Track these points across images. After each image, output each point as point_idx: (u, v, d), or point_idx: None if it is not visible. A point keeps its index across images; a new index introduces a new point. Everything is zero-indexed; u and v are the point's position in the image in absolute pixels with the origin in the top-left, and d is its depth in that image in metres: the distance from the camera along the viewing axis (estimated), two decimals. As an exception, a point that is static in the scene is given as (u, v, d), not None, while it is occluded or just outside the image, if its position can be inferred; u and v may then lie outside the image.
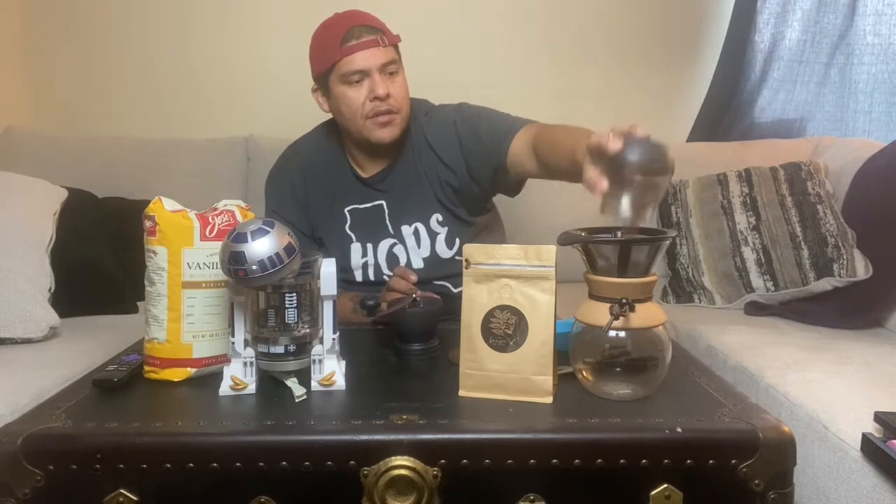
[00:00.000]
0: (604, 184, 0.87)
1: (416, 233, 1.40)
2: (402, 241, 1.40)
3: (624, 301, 0.85)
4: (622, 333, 0.88)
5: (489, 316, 0.91)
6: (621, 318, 0.86)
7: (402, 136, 1.38)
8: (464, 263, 0.92)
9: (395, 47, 1.34)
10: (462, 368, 0.92)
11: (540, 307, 0.89)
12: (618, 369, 0.90)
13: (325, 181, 1.43)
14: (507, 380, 0.89)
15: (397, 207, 1.41)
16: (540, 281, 0.89)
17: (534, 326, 0.89)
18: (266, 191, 1.48)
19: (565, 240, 0.90)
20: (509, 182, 1.39)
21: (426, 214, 1.40)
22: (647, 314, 0.88)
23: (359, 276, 1.42)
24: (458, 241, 1.40)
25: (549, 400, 0.88)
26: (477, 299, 0.91)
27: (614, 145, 0.86)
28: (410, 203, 1.40)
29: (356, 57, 1.28)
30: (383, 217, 1.41)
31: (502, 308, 0.90)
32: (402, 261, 1.40)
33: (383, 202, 1.41)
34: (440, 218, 1.40)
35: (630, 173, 0.85)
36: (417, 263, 1.40)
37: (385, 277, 1.38)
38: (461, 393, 0.91)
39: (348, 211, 1.42)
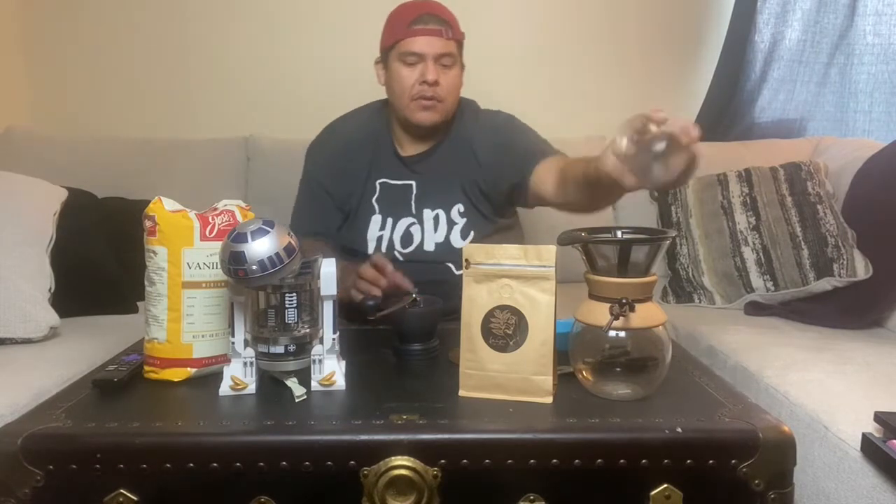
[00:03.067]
0: (624, 142, 0.86)
1: (437, 218, 1.44)
2: (421, 223, 1.44)
3: (624, 301, 0.85)
4: (622, 333, 0.88)
5: (489, 316, 0.91)
6: (621, 318, 0.86)
7: (443, 125, 1.45)
8: (464, 264, 0.92)
9: (458, 43, 1.41)
10: (462, 368, 0.92)
11: (540, 307, 0.89)
12: (618, 369, 0.90)
13: (363, 152, 1.48)
14: (507, 380, 0.90)
15: (425, 190, 1.45)
16: (540, 281, 0.89)
17: (534, 326, 0.89)
18: (306, 158, 1.55)
19: (565, 239, 0.90)
20: (525, 199, 1.44)
21: (449, 203, 1.44)
22: (647, 314, 0.88)
23: (371, 248, 1.45)
24: (473, 233, 1.44)
25: (549, 400, 0.89)
26: (477, 299, 0.91)
27: (659, 117, 0.84)
28: (438, 189, 1.45)
29: (417, 40, 1.35)
30: (410, 197, 1.45)
31: (502, 308, 0.90)
32: (416, 241, 1.44)
33: (413, 183, 1.46)
34: (462, 209, 1.44)
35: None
36: (429, 246, 1.43)
37: (396, 254, 1.42)
38: (461, 393, 0.92)
39: (379, 183, 1.47)
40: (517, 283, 0.90)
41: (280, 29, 2.30)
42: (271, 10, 2.30)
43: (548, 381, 0.89)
